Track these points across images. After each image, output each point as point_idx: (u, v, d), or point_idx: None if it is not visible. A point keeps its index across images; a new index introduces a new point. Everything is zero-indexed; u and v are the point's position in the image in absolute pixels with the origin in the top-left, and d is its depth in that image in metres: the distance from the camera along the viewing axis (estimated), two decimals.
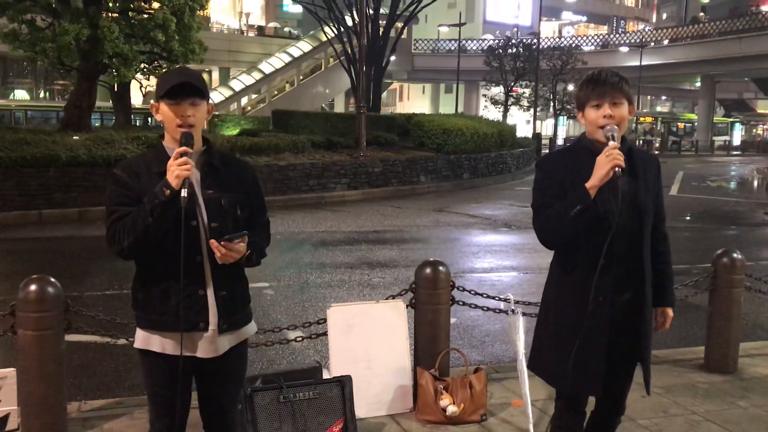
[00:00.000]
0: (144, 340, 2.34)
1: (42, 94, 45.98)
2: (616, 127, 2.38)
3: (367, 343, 3.89)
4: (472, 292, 4.29)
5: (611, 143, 2.34)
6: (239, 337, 2.42)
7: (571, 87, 38.00)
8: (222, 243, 2.18)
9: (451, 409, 3.72)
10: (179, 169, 2.15)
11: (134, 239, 2.19)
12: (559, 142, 37.62)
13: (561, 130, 42.84)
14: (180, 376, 2.26)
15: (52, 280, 3.37)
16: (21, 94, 43.78)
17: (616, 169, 2.29)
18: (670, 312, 2.61)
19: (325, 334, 3.92)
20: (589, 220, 2.34)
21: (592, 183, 2.32)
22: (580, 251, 2.42)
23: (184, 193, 2.15)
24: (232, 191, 2.33)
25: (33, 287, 3.30)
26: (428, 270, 3.94)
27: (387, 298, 4.14)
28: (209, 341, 2.32)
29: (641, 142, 43.50)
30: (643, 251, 2.47)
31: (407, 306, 4.00)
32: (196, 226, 2.25)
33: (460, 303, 4.13)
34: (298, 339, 4.15)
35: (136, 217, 2.18)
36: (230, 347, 2.38)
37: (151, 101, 2.32)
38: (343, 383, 3.52)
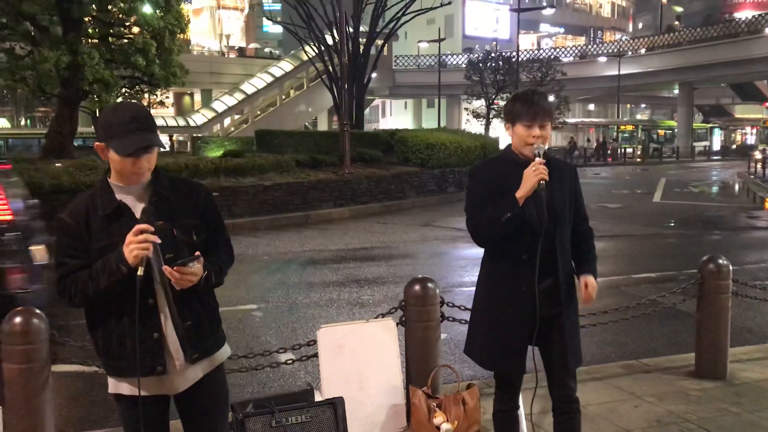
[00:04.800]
0: (114, 384, 2.32)
1: (23, 122, 45.68)
2: (543, 146, 2.76)
3: (359, 363, 3.86)
4: (462, 307, 4.28)
5: (537, 159, 2.71)
6: (213, 363, 2.37)
7: (552, 98, 38.34)
8: (175, 268, 2.11)
9: (445, 427, 3.69)
10: (138, 248, 2.07)
11: (84, 299, 2.19)
12: None
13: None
14: (146, 419, 2.26)
15: (37, 311, 3.32)
16: (2, 123, 43.48)
17: (542, 182, 2.67)
18: (592, 280, 2.89)
19: (315, 355, 3.89)
20: (517, 224, 2.71)
21: (521, 193, 2.69)
22: (506, 248, 2.80)
23: (140, 272, 2.08)
24: (184, 218, 2.26)
25: (18, 320, 3.25)
26: (417, 287, 3.93)
27: (377, 317, 4.12)
28: (179, 375, 2.28)
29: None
30: (557, 248, 2.80)
31: (397, 324, 3.99)
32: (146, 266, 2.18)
33: (450, 319, 4.13)
34: (288, 362, 4.11)
35: (87, 282, 2.16)
36: (204, 375, 2.34)
37: (96, 142, 2.23)
38: (336, 405, 3.49)
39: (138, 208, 2.21)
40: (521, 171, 2.72)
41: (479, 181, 2.84)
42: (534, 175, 2.65)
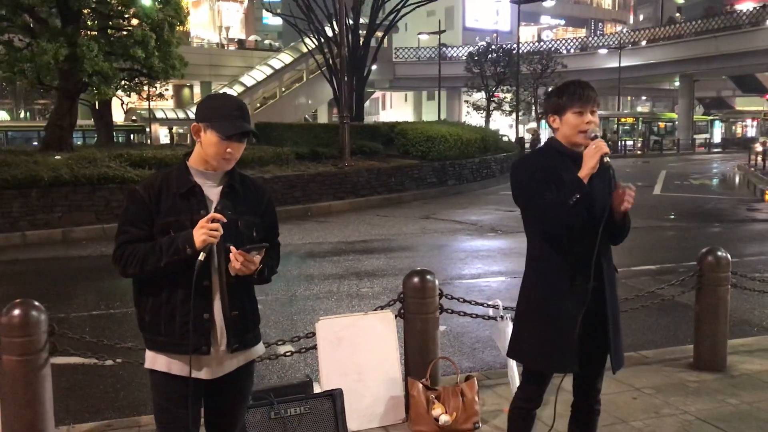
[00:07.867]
0: (151, 360, 2.37)
1: (22, 114, 45.65)
2: (597, 129, 2.68)
3: (357, 355, 3.87)
4: (461, 299, 4.29)
5: (598, 140, 2.62)
6: (248, 357, 2.44)
7: (550, 90, 38.31)
8: (240, 252, 2.21)
9: (444, 419, 3.70)
10: (208, 234, 2.19)
11: (140, 271, 2.25)
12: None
13: (544, 133, 43.08)
14: (189, 397, 2.30)
15: (36, 303, 3.33)
16: (1, 115, 43.42)
17: (605, 159, 2.56)
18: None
19: (314, 347, 3.89)
20: (585, 206, 2.55)
21: (584, 173, 2.56)
22: (559, 242, 2.64)
23: (201, 256, 2.20)
24: (249, 214, 2.38)
25: (17, 312, 3.25)
26: (416, 279, 3.93)
27: (375, 309, 4.12)
28: (216, 362, 2.35)
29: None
30: (605, 242, 2.70)
31: (396, 316, 3.99)
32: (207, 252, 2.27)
33: (449, 311, 4.13)
34: (287, 354, 4.12)
35: (148, 255, 2.23)
36: (238, 366, 2.41)
37: (195, 122, 2.34)
38: (335, 397, 3.50)
39: (210, 194, 2.33)
40: (568, 160, 2.64)
41: (529, 171, 2.69)
42: (595, 151, 2.55)
